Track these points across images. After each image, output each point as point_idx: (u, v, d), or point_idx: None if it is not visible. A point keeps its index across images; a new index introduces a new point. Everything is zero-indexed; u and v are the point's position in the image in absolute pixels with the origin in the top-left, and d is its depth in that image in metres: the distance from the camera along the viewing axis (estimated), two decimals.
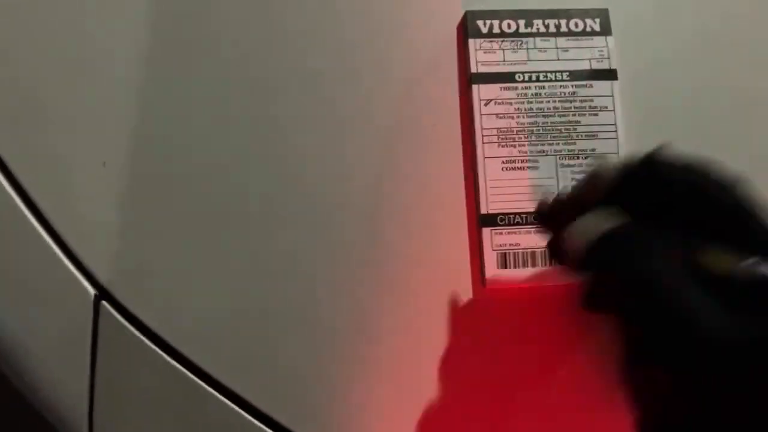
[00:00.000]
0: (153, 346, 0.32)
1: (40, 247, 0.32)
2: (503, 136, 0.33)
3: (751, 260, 0.19)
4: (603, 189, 0.24)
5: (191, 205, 0.33)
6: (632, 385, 0.21)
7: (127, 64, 0.34)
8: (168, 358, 0.32)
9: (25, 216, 0.32)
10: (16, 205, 0.32)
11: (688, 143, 0.34)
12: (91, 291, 0.32)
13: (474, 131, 0.33)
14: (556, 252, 0.27)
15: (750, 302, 0.19)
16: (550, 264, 0.32)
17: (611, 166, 0.25)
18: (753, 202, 0.22)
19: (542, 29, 0.34)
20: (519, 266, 0.32)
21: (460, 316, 0.32)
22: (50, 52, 0.34)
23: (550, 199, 0.28)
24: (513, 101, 0.33)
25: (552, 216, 0.28)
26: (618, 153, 0.33)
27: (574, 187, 0.27)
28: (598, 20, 0.34)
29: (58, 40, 0.34)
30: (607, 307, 0.23)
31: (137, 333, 0.32)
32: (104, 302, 0.32)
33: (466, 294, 0.32)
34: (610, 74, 0.34)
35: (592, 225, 0.23)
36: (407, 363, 0.32)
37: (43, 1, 0.35)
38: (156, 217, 0.33)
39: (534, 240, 0.32)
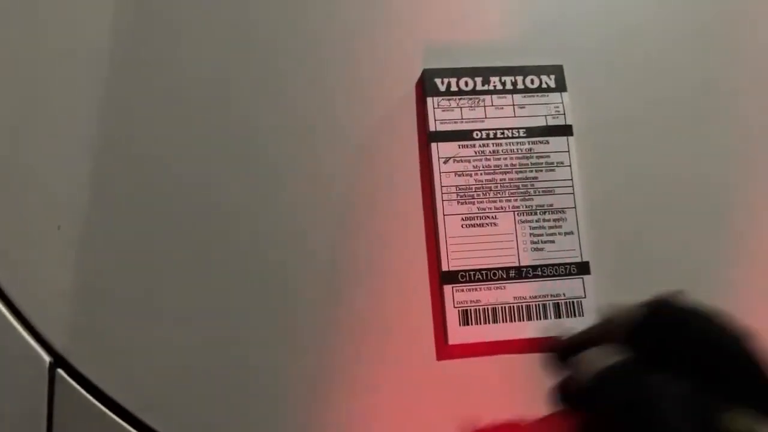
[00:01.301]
0: (111, 414, 0.31)
1: None
2: (462, 194, 0.33)
3: None
4: (616, 333, 0.24)
5: (148, 269, 0.32)
6: None
7: (81, 122, 0.34)
8: (126, 426, 0.31)
9: None
10: None
11: (643, 196, 0.35)
12: (47, 358, 0.31)
13: (434, 189, 0.33)
14: (562, 388, 0.26)
15: None
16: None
17: (623, 311, 0.24)
18: (762, 356, 0.22)
19: (499, 86, 0.35)
20: (480, 323, 0.32)
21: (422, 372, 0.32)
22: (6, 110, 0.34)
23: (564, 336, 0.27)
24: (471, 159, 0.34)
25: (565, 353, 0.26)
26: (575, 207, 0.34)
27: (586, 329, 0.26)
28: (553, 77, 0.35)
29: (14, 99, 0.34)
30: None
31: (94, 401, 0.31)
32: (59, 370, 0.31)
33: (428, 351, 0.32)
34: (565, 130, 0.35)
35: (601, 358, 0.23)
36: (367, 420, 0.32)
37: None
38: (112, 281, 0.32)
39: (494, 296, 0.32)
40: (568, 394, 0.24)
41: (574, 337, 0.26)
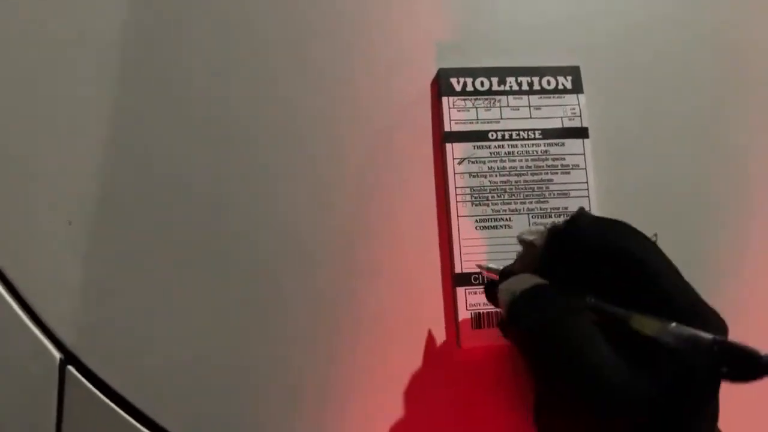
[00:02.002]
0: (121, 412, 0.31)
1: (4, 310, 0.31)
2: (476, 195, 0.33)
3: (673, 325, 0.21)
4: (536, 256, 0.26)
5: (159, 266, 0.32)
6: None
7: (92, 121, 0.33)
8: (136, 423, 0.31)
9: None
10: None
11: (659, 200, 0.35)
12: (57, 355, 0.31)
13: (448, 190, 0.33)
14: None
15: (664, 365, 0.21)
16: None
17: (540, 233, 0.26)
18: (666, 263, 0.23)
19: (515, 87, 0.34)
20: (493, 326, 0.32)
21: (435, 375, 0.32)
22: (17, 109, 0.34)
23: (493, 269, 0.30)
24: (486, 160, 0.33)
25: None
26: (590, 211, 0.33)
27: (516, 258, 0.28)
28: (570, 78, 0.35)
29: (25, 98, 0.34)
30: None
31: (104, 398, 0.31)
32: (70, 367, 0.31)
33: (441, 353, 0.32)
34: (581, 132, 0.34)
35: (515, 285, 0.25)
36: (380, 424, 0.31)
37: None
38: (123, 278, 0.32)
39: None
40: (501, 321, 0.28)
41: (504, 268, 0.29)
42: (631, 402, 0.20)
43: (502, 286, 0.26)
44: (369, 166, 0.34)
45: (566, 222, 0.25)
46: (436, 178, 0.34)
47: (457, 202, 0.33)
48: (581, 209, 0.27)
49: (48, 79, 0.34)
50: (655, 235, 0.24)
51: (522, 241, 0.27)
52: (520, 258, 0.28)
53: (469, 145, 0.33)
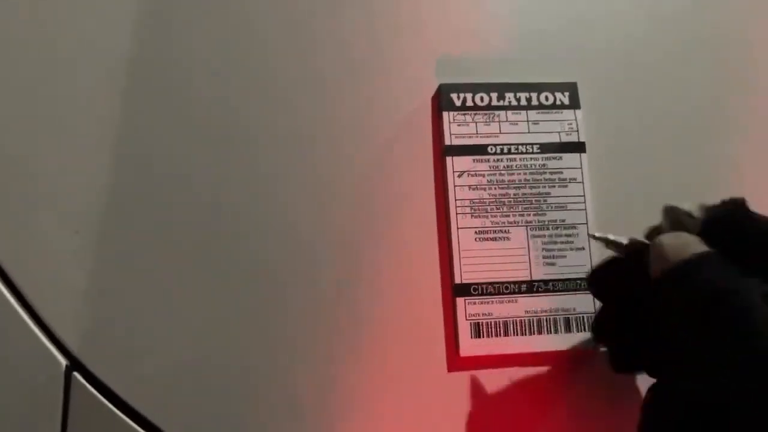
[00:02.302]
0: (126, 419, 0.31)
1: (10, 316, 0.32)
2: (476, 207, 0.34)
3: None
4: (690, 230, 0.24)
5: (166, 274, 0.33)
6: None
7: (93, 122, 0.34)
8: (141, 431, 0.31)
9: None
10: None
11: (655, 214, 0.36)
12: (63, 362, 0.32)
13: (447, 202, 0.34)
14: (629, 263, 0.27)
15: None
16: (526, 331, 0.33)
17: (692, 211, 0.25)
18: None
19: (514, 102, 0.35)
20: (492, 336, 0.33)
21: (433, 384, 0.33)
22: (25, 119, 0.34)
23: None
24: (485, 173, 0.34)
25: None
26: (587, 223, 0.34)
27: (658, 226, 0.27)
28: (567, 94, 0.36)
29: (31, 107, 0.34)
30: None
31: (110, 405, 0.31)
32: (76, 373, 0.32)
33: (440, 363, 0.33)
34: (578, 147, 0.35)
35: (683, 243, 0.24)
36: (379, 429, 0.32)
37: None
38: (129, 285, 0.33)
39: (506, 309, 0.33)
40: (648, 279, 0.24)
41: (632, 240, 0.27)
42: None
43: (666, 241, 0.24)
44: (370, 178, 0.35)
45: (725, 207, 0.24)
46: (436, 191, 0.35)
47: (456, 214, 0.34)
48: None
49: (50, 81, 0.35)
50: None
51: (679, 213, 0.26)
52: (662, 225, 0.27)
53: (469, 158, 0.34)
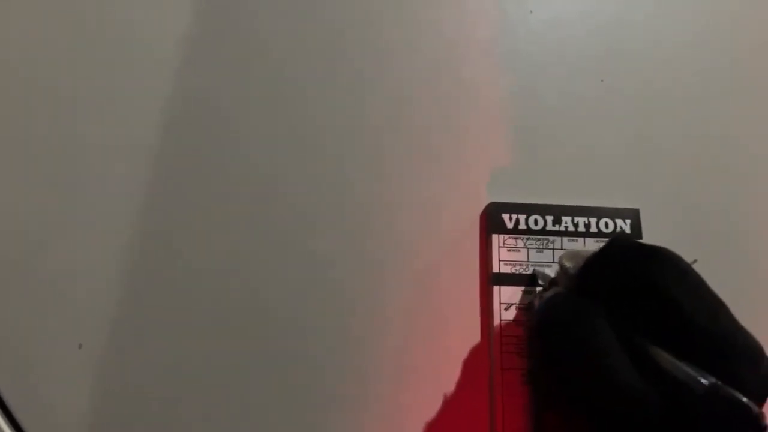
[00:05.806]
0: None
1: None
2: (522, 345, 0.30)
3: (691, 371, 0.21)
4: (573, 279, 0.26)
5: (170, 388, 0.30)
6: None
7: (100, 238, 0.31)
8: None
9: None
10: None
11: None
12: None
13: (491, 337, 0.30)
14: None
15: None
16: None
17: (576, 261, 0.26)
18: (701, 301, 0.23)
19: (571, 228, 0.32)
20: None
21: None
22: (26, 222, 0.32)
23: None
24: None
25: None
26: None
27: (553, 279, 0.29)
28: (628, 221, 0.33)
29: (33, 216, 0.32)
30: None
31: None
32: None
33: None
34: None
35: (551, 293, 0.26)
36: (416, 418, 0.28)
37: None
38: (131, 409, 0.29)
39: None
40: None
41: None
42: (639, 402, 0.21)
43: (537, 298, 0.28)
44: (413, 305, 0.31)
45: (600, 251, 0.25)
46: (481, 322, 0.31)
47: (501, 351, 0.30)
48: (619, 234, 0.30)
49: (65, 193, 0.32)
50: (695, 261, 0.24)
51: (562, 266, 0.27)
52: (558, 277, 0.28)
53: (518, 289, 0.31)
